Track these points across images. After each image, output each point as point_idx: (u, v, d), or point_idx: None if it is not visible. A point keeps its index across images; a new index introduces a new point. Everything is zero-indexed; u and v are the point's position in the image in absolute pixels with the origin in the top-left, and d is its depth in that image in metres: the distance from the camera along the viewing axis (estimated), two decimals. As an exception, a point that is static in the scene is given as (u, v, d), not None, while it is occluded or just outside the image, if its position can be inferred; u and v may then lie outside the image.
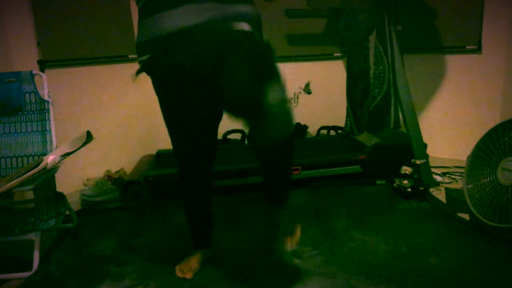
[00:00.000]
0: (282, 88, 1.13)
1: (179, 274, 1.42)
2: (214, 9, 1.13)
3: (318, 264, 1.46)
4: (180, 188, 1.42)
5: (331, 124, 2.83)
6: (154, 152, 2.49)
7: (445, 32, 2.36)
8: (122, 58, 2.38)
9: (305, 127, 2.75)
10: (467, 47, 2.30)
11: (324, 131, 2.83)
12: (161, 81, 1.26)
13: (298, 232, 1.38)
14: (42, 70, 2.07)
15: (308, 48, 2.69)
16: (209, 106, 1.27)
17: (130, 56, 2.39)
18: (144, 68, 1.23)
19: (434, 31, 2.39)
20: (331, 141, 2.66)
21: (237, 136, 2.68)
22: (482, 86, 2.32)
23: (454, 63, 2.39)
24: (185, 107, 1.25)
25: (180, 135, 1.32)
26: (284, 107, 1.10)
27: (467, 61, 2.34)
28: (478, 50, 2.27)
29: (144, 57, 1.21)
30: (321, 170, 2.17)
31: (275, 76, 1.13)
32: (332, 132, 2.83)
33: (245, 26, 1.17)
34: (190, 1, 1.12)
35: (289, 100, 1.13)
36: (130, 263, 1.53)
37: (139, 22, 1.23)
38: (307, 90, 2.80)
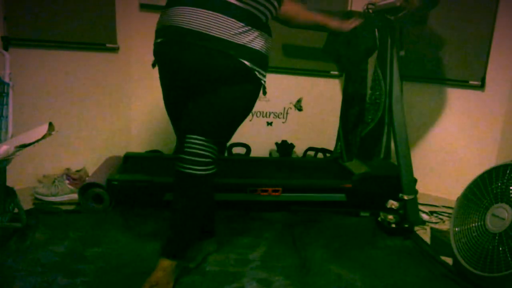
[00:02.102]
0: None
1: None
2: (227, 27, 1.33)
3: (288, 296, 1.50)
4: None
5: (319, 146, 2.90)
6: (122, 154, 2.50)
7: (449, 63, 2.47)
8: (99, 47, 2.40)
9: (291, 146, 2.82)
10: (470, 82, 2.42)
11: (312, 153, 2.90)
12: (160, 64, 1.53)
13: None
14: (6, 49, 2.06)
15: (304, 62, 2.77)
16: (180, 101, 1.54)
17: (108, 45, 2.42)
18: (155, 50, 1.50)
19: (438, 61, 2.50)
20: (317, 164, 2.73)
21: (242, 150, 2.78)
22: (481, 125, 2.43)
23: (455, 97, 2.50)
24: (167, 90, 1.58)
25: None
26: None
27: (469, 96, 2.45)
28: (481, 86, 2.40)
29: (158, 40, 1.46)
30: (303, 194, 2.23)
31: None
32: (320, 155, 2.91)
33: (248, 62, 1.38)
34: (211, 7, 1.32)
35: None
36: (80, 274, 1.52)
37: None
38: (298, 106, 2.87)
